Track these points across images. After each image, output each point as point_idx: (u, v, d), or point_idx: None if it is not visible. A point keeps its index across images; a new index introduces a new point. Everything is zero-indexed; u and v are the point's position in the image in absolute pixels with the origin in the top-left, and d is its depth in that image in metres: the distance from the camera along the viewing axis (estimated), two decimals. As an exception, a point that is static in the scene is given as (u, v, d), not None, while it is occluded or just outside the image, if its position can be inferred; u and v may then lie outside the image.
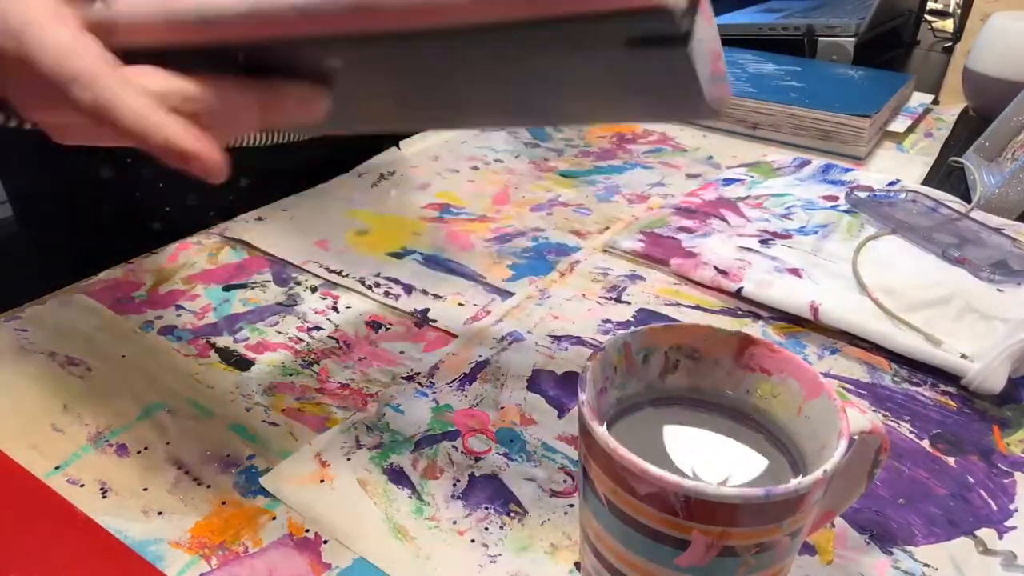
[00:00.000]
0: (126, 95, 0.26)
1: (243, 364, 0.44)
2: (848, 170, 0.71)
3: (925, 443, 0.40)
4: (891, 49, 1.16)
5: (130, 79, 0.26)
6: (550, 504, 0.36)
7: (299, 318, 0.49)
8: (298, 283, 0.52)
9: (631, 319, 0.50)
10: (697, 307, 0.51)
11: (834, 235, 0.59)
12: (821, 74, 0.89)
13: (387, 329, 0.48)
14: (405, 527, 0.34)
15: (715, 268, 0.53)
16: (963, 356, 0.44)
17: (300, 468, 0.37)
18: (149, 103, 0.26)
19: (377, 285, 0.52)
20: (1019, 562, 0.34)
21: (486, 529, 0.34)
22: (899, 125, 0.82)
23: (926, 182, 0.70)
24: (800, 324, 0.49)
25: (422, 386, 0.43)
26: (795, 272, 0.53)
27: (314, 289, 0.52)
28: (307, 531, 0.34)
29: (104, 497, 0.35)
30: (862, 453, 0.29)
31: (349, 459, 0.38)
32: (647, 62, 0.25)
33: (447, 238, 0.58)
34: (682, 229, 0.60)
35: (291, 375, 0.44)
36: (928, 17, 1.31)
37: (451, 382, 0.43)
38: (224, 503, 0.35)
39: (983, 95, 0.85)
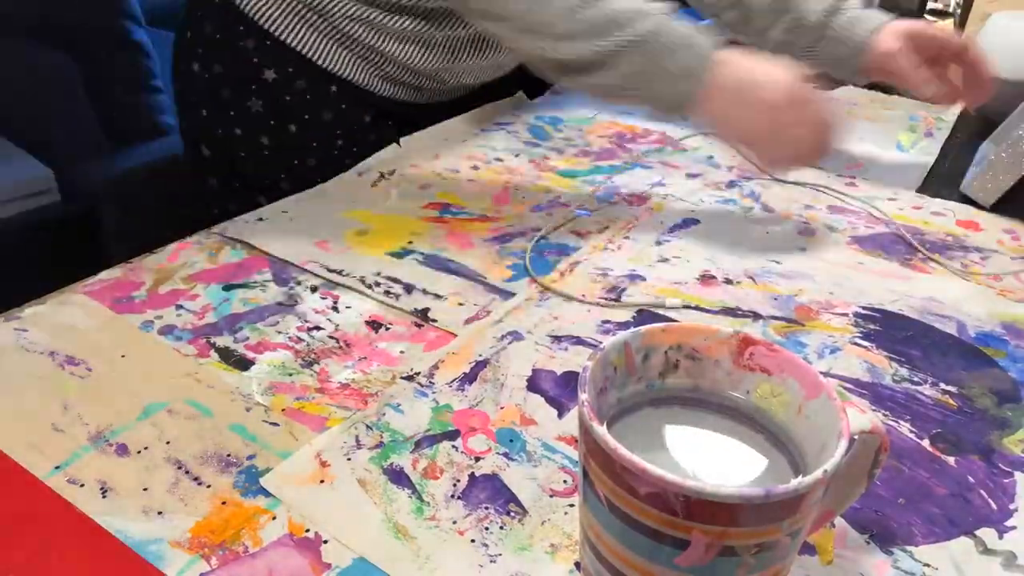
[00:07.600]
0: None
1: (243, 364, 0.44)
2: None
3: (925, 443, 0.40)
4: (891, 49, 1.16)
5: None
6: (550, 504, 0.36)
7: (299, 318, 0.49)
8: (298, 283, 0.52)
9: (631, 319, 0.50)
10: (697, 307, 0.51)
11: None
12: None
13: (387, 329, 0.48)
14: (405, 527, 0.34)
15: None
16: None
17: (300, 468, 0.37)
18: None
19: (377, 285, 0.52)
20: (1019, 562, 0.34)
21: (486, 529, 0.34)
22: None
23: (926, 181, 0.71)
24: (800, 324, 0.49)
25: (422, 386, 0.43)
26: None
27: (314, 289, 0.52)
28: (307, 531, 0.34)
29: (104, 497, 0.35)
30: (862, 453, 0.29)
31: (349, 459, 0.38)
32: None
33: (447, 238, 0.58)
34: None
35: (291, 375, 0.44)
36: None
37: (451, 382, 0.43)
38: (224, 503, 0.35)
39: (983, 94, 0.85)
